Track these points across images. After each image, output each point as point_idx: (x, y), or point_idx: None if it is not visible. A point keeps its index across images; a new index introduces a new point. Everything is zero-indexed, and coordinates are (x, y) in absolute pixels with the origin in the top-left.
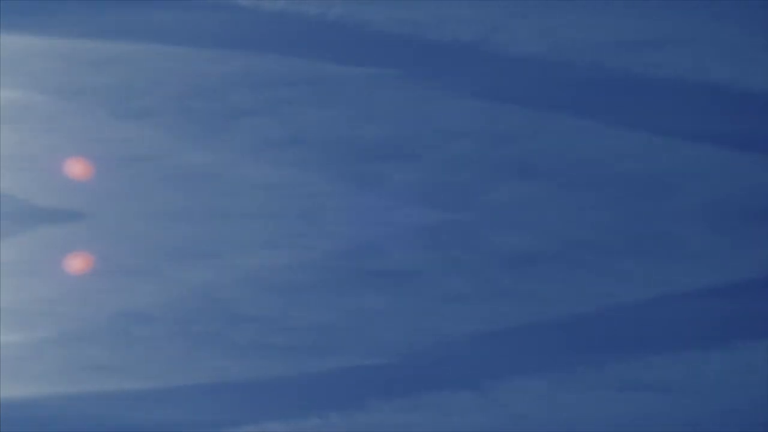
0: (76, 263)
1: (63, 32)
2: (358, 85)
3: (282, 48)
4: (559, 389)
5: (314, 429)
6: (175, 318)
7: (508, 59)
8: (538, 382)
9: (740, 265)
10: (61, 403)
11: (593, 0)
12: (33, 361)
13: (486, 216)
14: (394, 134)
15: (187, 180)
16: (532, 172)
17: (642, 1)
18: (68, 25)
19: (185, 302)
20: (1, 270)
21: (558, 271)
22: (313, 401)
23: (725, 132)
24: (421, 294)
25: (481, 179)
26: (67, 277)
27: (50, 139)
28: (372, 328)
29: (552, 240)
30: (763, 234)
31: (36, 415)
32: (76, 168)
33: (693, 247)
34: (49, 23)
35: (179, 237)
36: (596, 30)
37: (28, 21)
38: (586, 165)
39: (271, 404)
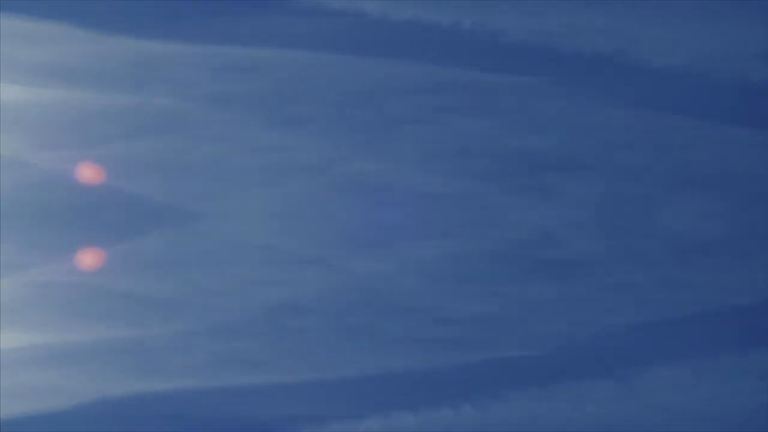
0: (235, 254)
1: (205, 39)
2: (510, 94)
3: (422, 56)
4: (702, 378)
5: (445, 421)
6: (332, 309)
7: (650, 70)
8: (681, 371)
9: None
10: (200, 397)
11: (731, 10)
12: (179, 354)
13: (655, 208)
14: (559, 144)
15: (358, 190)
16: (700, 181)
17: None
18: (210, 31)
19: (345, 293)
20: (158, 262)
21: (728, 262)
22: (447, 393)
23: None
24: (590, 284)
25: (654, 189)
26: (225, 268)
27: (206, 147)
28: (532, 319)
29: (725, 230)
30: None
31: (175, 409)
32: (237, 176)
33: None
34: (191, 30)
35: (349, 226)
36: (736, 40)
37: (172, 28)
38: (747, 173)
39: (403, 396)
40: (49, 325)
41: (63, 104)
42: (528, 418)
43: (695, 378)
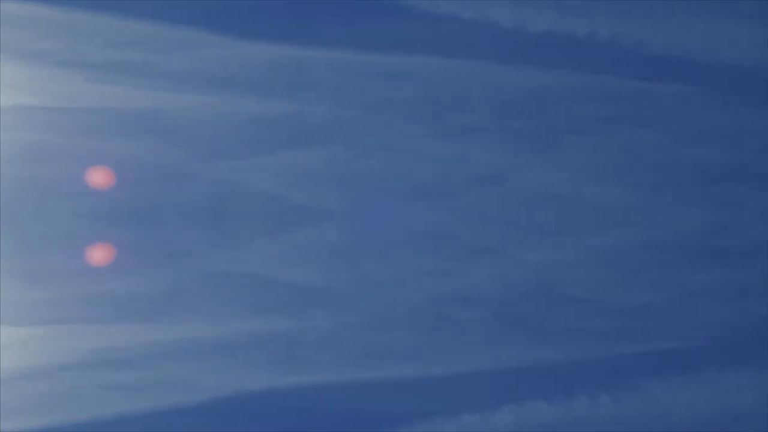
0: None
1: (345, 45)
2: (667, 103)
3: (564, 65)
4: None
5: (581, 410)
6: (498, 300)
7: None
8: None
9: None
10: (338, 391)
11: None
12: (331, 347)
13: None
14: (734, 156)
15: (537, 200)
16: None
17: None
18: (347, 37)
19: (514, 283)
20: (326, 252)
21: None
22: (585, 383)
23: None
24: (754, 273)
25: None
26: (398, 259)
27: (374, 156)
28: (693, 309)
29: None
30: None
31: (311, 403)
32: (411, 186)
33: None
34: (328, 36)
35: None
36: None
37: (307, 33)
38: None
39: (539, 386)
40: (204, 315)
41: (216, 112)
42: (662, 409)
43: None
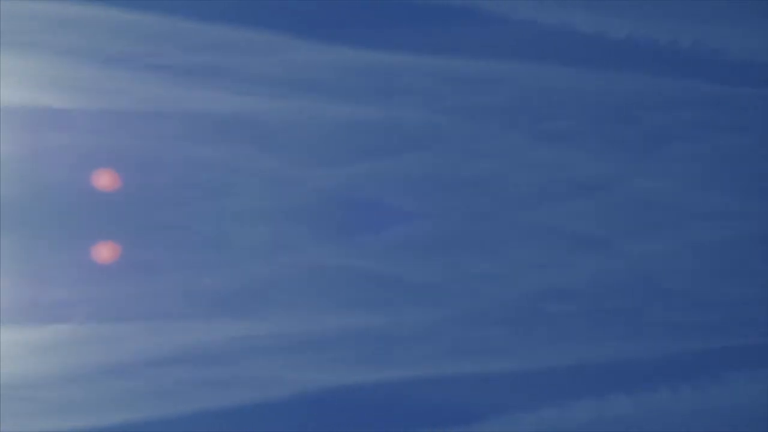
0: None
1: (430, 49)
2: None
3: (652, 71)
4: None
5: (661, 403)
6: (597, 293)
7: None
8: None
9: None
10: (425, 386)
11: None
12: (422, 342)
13: None
14: None
15: (644, 209)
16: None
17: None
18: (430, 42)
19: (615, 276)
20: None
21: None
22: (667, 375)
23: None
24: None
25: None
26: (500, 251)
27: (476, 162)
28: None
29: None
30: None
31: (397, 399)
32: (517, 194)
33: None
34: (411, 40)
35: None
36: None
37: (388, 37)
38: None
39: (621, 379)
40: (297, 310)
41: (309, 117)
42: (746, 402)
43: None
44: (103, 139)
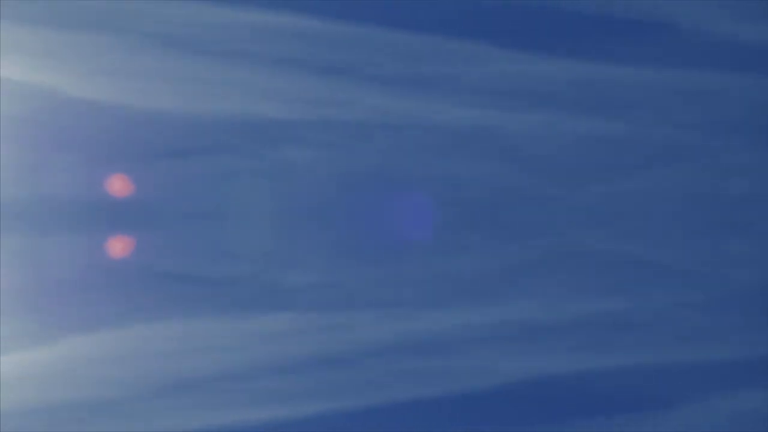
0: None
1: (634, 61)
2: None
3: None
4: None
5: None
6: None
7: None
8: None
9: None
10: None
11: None
12: (655, 328)
13: None
14: None
15: None
16: None
17: None
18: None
19: None
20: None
21: None
22: None
23: None
24: None
25: None
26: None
27: (728, 179)
28: None
29: None
30: None
31: (620, 385)
32: None
33: None
34: (614, 52)
35: None
36: None
37: (592, 49)
38: None
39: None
40: (538, 296)
41: (550, 131)
42: None
43: None
44: (341, 152)
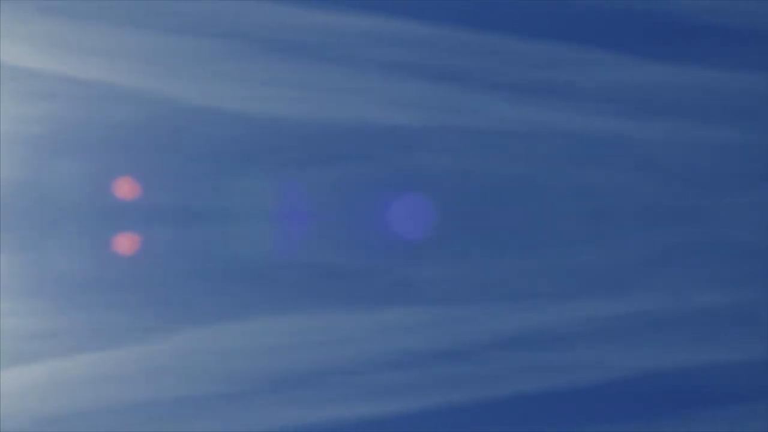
0: None
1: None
2: None
3: None
4: None
5: None
6: None
7: None
8: None
9: None
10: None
11: None
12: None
13: None
14: None
15: None
16: None
17: None
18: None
19: None
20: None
21: None
22: None
23: None
24: None
25: None
26: None
27: None
28: None
29: None
30: None
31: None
32: None
33: None
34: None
35: None
36: None
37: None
38: None
39: None
40: (668, 288)
41: (683, 139)
42: None
43: None
44: (475, 160)
